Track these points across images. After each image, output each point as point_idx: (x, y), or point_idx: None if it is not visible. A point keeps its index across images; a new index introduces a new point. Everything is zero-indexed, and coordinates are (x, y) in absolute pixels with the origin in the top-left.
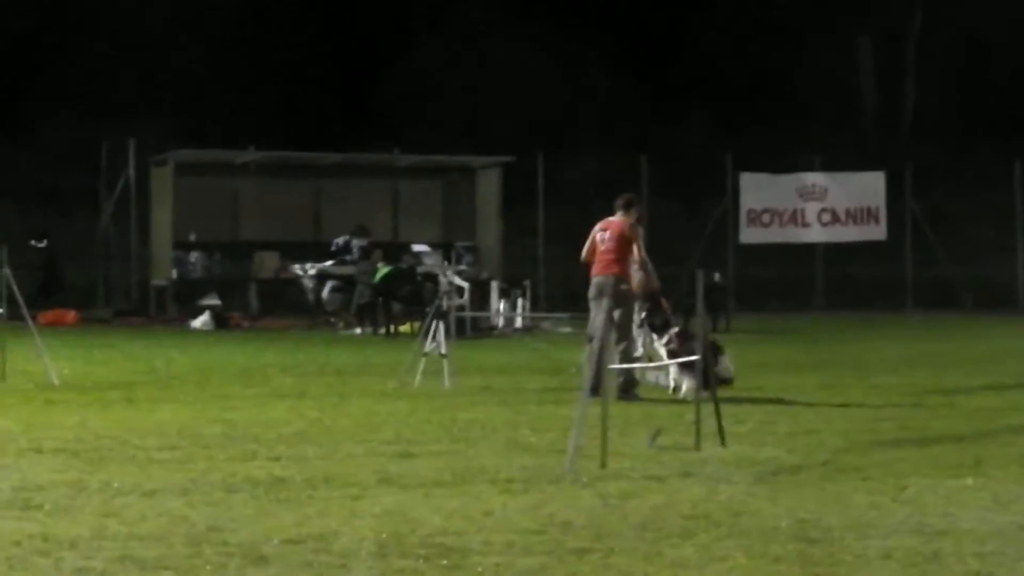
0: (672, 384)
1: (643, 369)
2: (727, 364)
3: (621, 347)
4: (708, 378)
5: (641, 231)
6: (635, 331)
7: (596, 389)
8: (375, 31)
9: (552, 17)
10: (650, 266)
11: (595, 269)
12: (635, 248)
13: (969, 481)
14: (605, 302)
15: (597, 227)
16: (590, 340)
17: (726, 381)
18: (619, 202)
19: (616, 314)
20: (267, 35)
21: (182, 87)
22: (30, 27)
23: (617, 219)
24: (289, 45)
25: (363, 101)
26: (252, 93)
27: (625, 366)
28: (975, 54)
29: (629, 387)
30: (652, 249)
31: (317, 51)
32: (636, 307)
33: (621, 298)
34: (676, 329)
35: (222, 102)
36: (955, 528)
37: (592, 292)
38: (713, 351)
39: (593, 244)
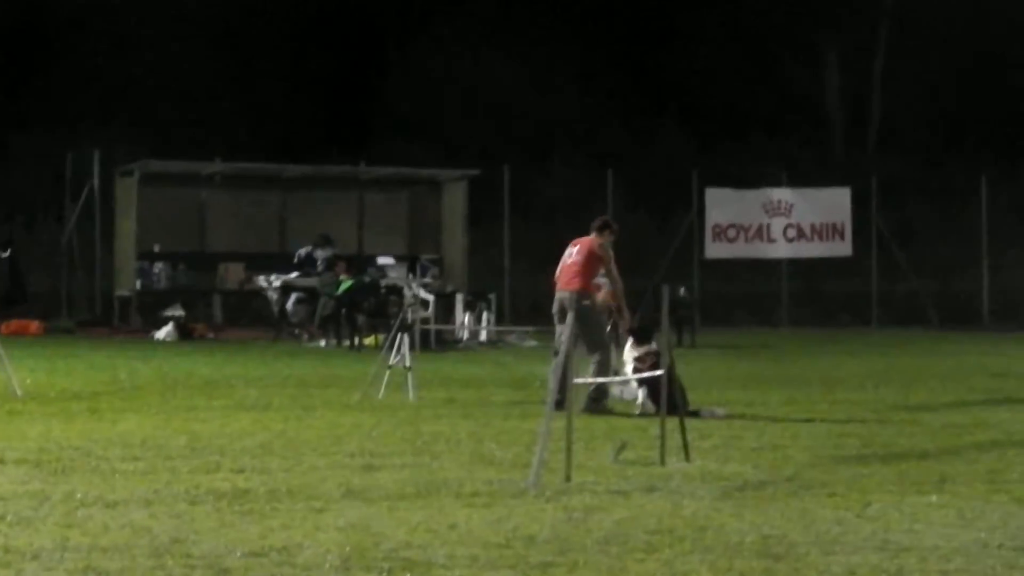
0: (637, 399)
1: (611, 383)
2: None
3: (596, 358)
4: (672, 396)
5: (611, 253)
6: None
7: (561, 403)
8: (345, 42)
9: (523, 30)
10: (620, 286)
11: (559, 284)
12: (604, 267)
13: (934, 498)
14: (568, 316)
15: (570, 245)
16: (555, 354)
17: (692, 413)
18: (595, 223)
19: (581, 329)
20: (234, 46)
21: (148, 98)
22: None
23: (588, 237)
24: (257, 56)
25: (330, 113)
26: (219, 104)
27: (591, 380)
28: (943, 70)
29: (600, 398)
30: (619, 263)
31: (285, 62)
32: (604, 320)
33: (584, 312)
34: (655, 346)
35: (188, 113)
36: (919, 545)
37: (555, 307)
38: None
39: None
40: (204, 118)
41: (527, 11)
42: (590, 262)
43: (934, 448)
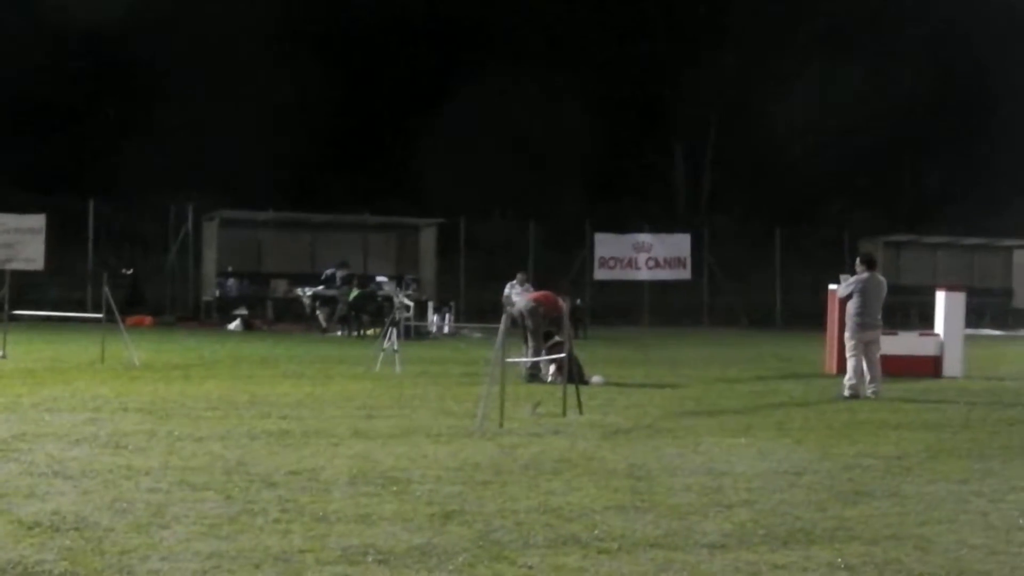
0: (548, 374)
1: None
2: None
3: (533, 345)
4: (572, 370)
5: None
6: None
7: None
8: (362, 132)
9: (463, 114)
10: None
11: (544, 300)
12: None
13: (743, 440)
14: (564, 319)
15: (532, 296)
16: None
17: (584, 382)
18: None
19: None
20: (284, 132)
21: (224, 167)
22: (111, 127)
23: (549, 294)
24: (298, 139)
25: (346, 178)
26: (271, 171)
27: (525, 360)
28: (750, 157)
29: (536, 373)
30: (537, 283)
31: (319, 142)
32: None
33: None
34: (557, 338)
35: (250, 177)
36: (733, 471)
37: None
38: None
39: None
40: (261, 180)
41: (475, 108)
42: (550, 300)
43: (742, 406)
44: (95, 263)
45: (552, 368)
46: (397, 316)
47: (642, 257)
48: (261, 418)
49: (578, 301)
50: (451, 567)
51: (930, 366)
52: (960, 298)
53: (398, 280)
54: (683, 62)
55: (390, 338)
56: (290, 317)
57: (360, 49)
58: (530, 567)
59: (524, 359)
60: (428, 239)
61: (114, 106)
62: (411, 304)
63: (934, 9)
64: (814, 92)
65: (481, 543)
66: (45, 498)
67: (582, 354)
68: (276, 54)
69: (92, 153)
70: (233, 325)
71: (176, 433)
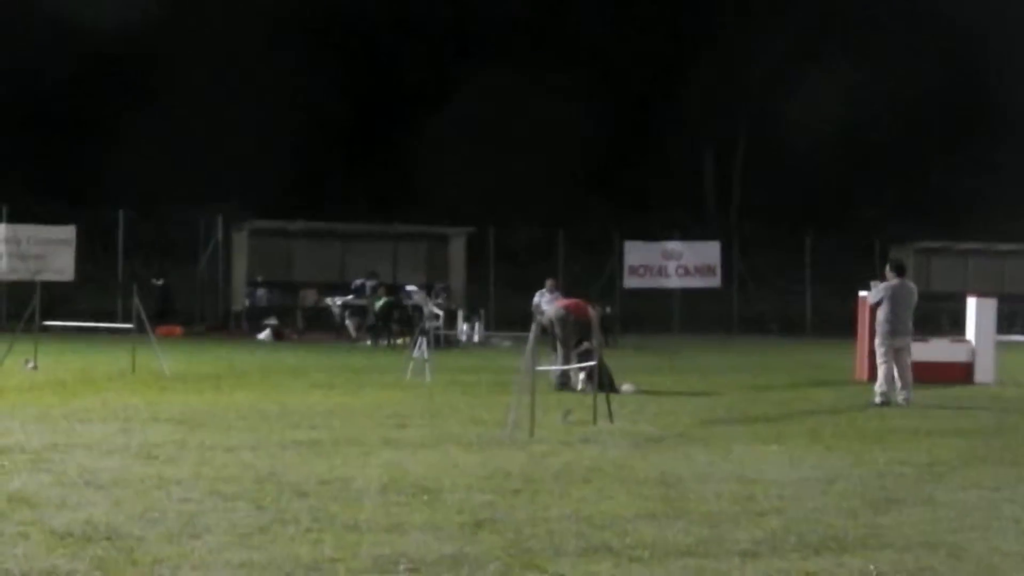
0: (579, 382)
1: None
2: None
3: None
4: (602, 379)
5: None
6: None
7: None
8: (388, 142)
9: (502, 132)
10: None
11: (574, 308)
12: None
13: (774, 447)
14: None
15: (561, 303)
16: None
17: (615, 390)
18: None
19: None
20: (310, 144)
21: (253, 178)
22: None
23: (579, 301)
24: (324, 151)
25: (375, 188)
26: (300, 183)
27: (557, 368)
28: (779, 165)
29: (567, 382)
30: (567, 291)
31: (343, 155)
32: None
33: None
34: (586, 345)
35: (280, 188)
36: (764, 478)
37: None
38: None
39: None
40: (291, 191)
41: (502, 116)
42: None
43: (773, 414)
44: (125, 274)
45: (582, 376)
46: (427, 325)
47: (672, 265)
48: (291, 428)
49: (607, 309)
50: (482, 575)
51: (962, 372)
52: (992, 304)
53: (428, 289)
54: (712, 66)
55: (420, 347)
56: (320, 327)
57: (385, 55)
58: (562, 575)
59: (554, 367)
60: (458, 248)
61: (140, 114)
62: (441, 313)
63: (966, 11)
64: (845, 94)
65: (512, 551)
66: (77, 508)
67: (612, 362)
68: (300, 59)
69: (121, 163)
70: (263, 335)
71: (207, 443)
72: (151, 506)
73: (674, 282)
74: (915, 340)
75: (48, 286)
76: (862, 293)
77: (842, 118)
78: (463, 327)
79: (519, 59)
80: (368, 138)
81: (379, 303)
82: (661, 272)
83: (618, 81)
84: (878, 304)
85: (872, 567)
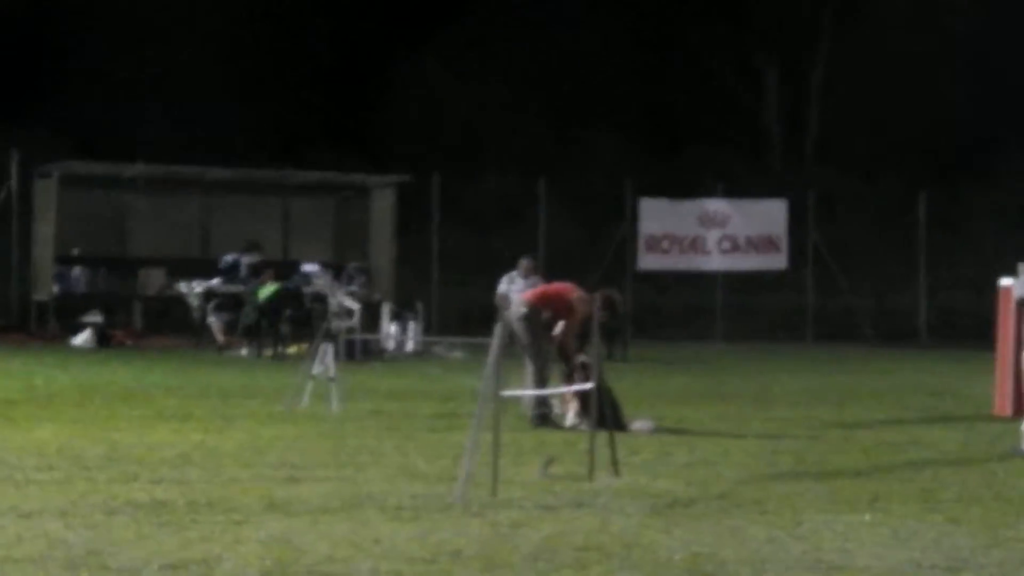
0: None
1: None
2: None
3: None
4: (603, 410)
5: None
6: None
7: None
8: (273, 44)
9: (454, 34)
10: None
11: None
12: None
13: (867, 516)
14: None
15: (532, 292)
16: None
17: (622, 427)
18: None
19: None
20: (157, 43)
21: (68, 97)
22: None
23: (564, 288)
24: (180, 54)
25: (256, 116)
26: (141, 105)
27: (525, 392)
28: (882, 84)
29: (547, 413)
30: (551, 274)
31: (209, 61)
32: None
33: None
34: (582, 359)
35: (110, 114)
36: (852, 565)
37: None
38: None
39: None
40: (126, 119)
41: (457, 17)
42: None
43: (868, 466)
44: None
45: (573, 407)
46: (334, 326)
47: (713, 235)
48: (124, 482)
49: (615, 296)
50: None
51: None
52: None
53: (336, 271)
54: None
55: (323, 359)
56: (170, 327)
57: None
58: None
59: (530, 392)
60: (383, 207)
61: None
62: (355, 308)
63: None
64: None
65: None
66: None
67: (619, 385)
68: None
69: None
70: (81, 339)
71: None
72: None
73: (717, 262)
74: None
75: None
76: (1006, 282)
77: (981, 16)
78: (390, 329)
79: None
80: (250, 43)
81: (262, 291)
82: (696, 246)
83: None
84: None
85: None
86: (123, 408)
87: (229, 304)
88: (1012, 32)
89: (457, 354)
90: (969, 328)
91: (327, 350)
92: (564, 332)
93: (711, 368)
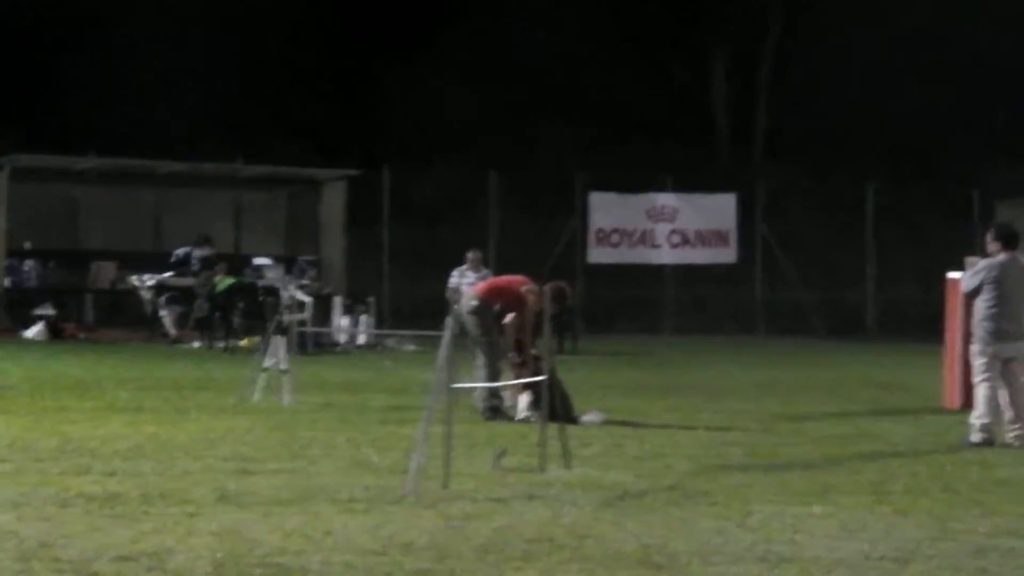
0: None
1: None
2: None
3: (483, 362)
4: (554, 402)
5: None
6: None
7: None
8: (225, 34)
9: (404, 27)
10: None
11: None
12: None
13: (816, 508)
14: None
15: (481, 286)
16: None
17: (573, 420)
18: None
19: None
20: (109, 34)
21: (19, 88)
22: None
23: (514, 280)
24: (132, 46)
25: (208, 108)
26: (94, 96)
27: (475, 385)
28: (831, 78)
29: (498, 405)
30: (500, 268)
31: (162, 52)
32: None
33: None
34: (532, 352)
35: (62, 106)
36: (801, 556)
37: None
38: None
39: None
40: (77, 112)
41: (407, 11)
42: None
43: (817, 458)
44: None
45: (524, 399)
46: (286, 319)
47: (663, 229)
48: (76, 474)
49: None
50: None
51: None
52: None
53: (287, 264)
54: None
55: (275, 352)
56: (121, 320)
57: None
58: None
59: (481, 384)
60: (334, 200)
61: None
62: (307, 300)
63: None
64: None
65: None
66: None
67: (570, 377)
68: None
69: None
70: (33, 332)
71: None
72: None
73: (667, 255)
74: None
75: None
76: (954, 275)
77: (929, 12)
78: (342, 322)
79: None
80: (202, 35)
81: (219, 285)
82: (645, 239)
83: None
84: (977, 291)
85: None
86: (75, 400)
87: (181, 298)
88: (960, 28)
89: (409, 347)
90: (917, 321)
91: (279, 343)
92: (514, 324)
93: (661, 361)
